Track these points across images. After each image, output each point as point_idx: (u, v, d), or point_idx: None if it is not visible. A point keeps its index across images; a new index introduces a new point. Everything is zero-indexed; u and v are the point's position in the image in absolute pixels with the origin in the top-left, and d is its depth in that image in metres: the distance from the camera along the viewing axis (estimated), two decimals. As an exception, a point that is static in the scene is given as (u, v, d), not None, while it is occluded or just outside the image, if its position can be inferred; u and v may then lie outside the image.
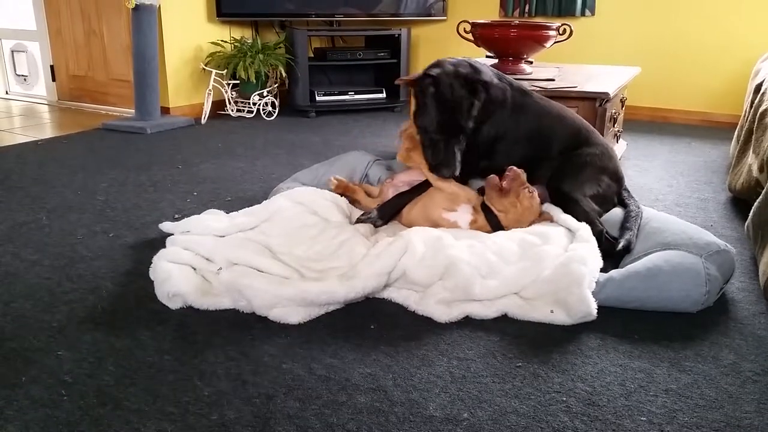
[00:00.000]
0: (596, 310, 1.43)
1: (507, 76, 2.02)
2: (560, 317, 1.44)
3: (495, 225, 1.76)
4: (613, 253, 1.66)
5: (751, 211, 1.82)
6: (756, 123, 2.25)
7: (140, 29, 3.45)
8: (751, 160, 2.19)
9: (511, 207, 1.75)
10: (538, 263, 1.53)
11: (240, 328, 1.41)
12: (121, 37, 4.03)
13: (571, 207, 1.77)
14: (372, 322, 1.45)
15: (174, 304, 1.48)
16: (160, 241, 1.77)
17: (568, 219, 1.71)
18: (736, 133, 2.77)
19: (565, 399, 1.18)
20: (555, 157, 1.94)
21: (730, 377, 1.26)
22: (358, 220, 1.87)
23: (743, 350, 1.36)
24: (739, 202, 2.31)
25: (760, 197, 1.77)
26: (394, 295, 1.54)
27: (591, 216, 1.74)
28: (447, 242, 1.61)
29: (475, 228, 1.78)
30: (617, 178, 1.94)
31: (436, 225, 1.79)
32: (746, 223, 1.85)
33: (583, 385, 1.22)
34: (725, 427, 1.11)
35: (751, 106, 2.53)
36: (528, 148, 1.96)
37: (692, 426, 1.11)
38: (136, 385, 1.20)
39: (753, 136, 2.27)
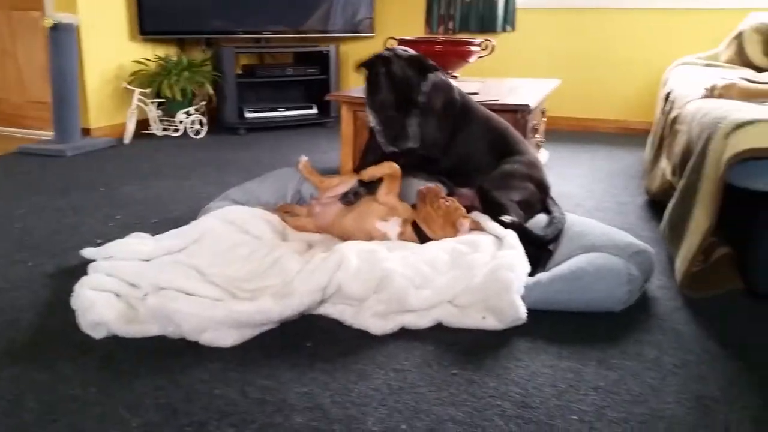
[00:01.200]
0: (526, 314, 1.47)
1: (452, 82, 2.13)
2: (492, 323, 1.47)
3: (422, 236, 1.80)
4: (536, 244, 1.73)
5: (666, 213, 1.92)
6: (667, 129, 2.39)
7: (59, 49, 3.32)
8: (665, 165, 2.32)
9: (429, 218, 1.80)
10: (468, 271, 1.56)
11: (169, 355, 1.36)
12: (37, 58, 3.86)
13: (498, 212, 1.82)
14: (308, 340, 1.43)
15: (98, 334, 1.42)
16: (82, 269, 1.69)
17: (496, 227, 1.75)
18: (649, 139, 2.93)
19: (499, 403, 1.20)
20: (487, 162, 2.02)
21: (653, 371, 1.32)
22: (347, 201, 1.91)
23: (664, 345, 1.43)
24: (655, 204, 2.44)
25: (674, 199, 1.87)
26: (329, 310, 1.54)
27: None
28: (381, 255, 1.61)
29: (403, 239, 1.80)
30: (543, 187, 2.02)
31: (368, 234, 1.81)
32: (662, 224, 1.95)
33: (516, 388, 1.25)
34: (650, 420, 1.16)
35: (662, 114, 2.68)
36: (464, 151, 2.05)
37: (620, 421, 1.15)
38: (59, 421, 1.14)
39: (665, 142, 2.40)
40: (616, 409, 1.19)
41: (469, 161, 2.05)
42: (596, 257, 1.59)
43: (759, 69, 2.90)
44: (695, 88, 2.31)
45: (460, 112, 2.05)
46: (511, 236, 1.68)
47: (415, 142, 1.92)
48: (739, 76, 2.45)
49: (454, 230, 1.78)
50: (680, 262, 1.72)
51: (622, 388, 1.26)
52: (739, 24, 3.15)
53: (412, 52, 1.95)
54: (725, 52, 3.16)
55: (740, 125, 1.58)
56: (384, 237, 1.81)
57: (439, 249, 1.69)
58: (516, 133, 2.14)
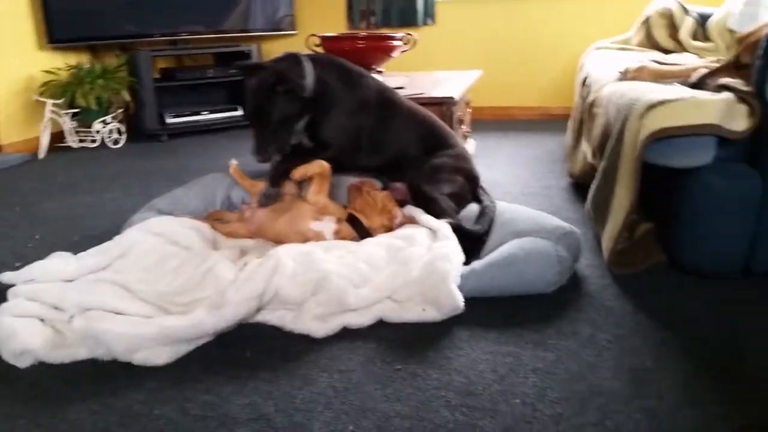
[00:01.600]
0: (463, 303, 1.49)
1: (373, 77, 2.10)
2: (431, 314, 1.48)
3: (361, 230, 1.79)
4: (472, 239, 1.76)
5: (589, 194, 1.99)
6: (586, 113, 2.47)
7: (-45, 62, 3.11)
8: (585, 148, 2.40)
9: (366, 207, 1.83)
10: (405, 265, 1.57)
11: (101, 378, 1.30)
12: (-68, 72, 3.60)
13: (430, 205, 1.85)
14: (247, 349, 1.40)
15: (23, 363, 1.34)
16: (1, 295, 1.59)
17: (430, 219, 1.76)
18: (569, 123, 3.03)
19: (444, 394, 1.21)
20: (418, 157, 2.03)
21: (589, 349, 1.37)
22: (263, 204, 1.91)
23: (597, 322, 1.48)
24: (579, 186, 2.52)
25: (596, 180, 1.94)
26: (268, 317, 1.50)
27: (448, 212, 1.83)
28: (317, 256, 1.60)
29: (340, 237, 1.80)
30: (472, 178, 2.06)
31: (302, 235, 1.79)
32: (586, 205, 2.02)
33: (459, 377, 1.27)
34: (590, 396, 1.20)
35: (580, 98, 2.77)
36: (393, 147, 2.05)
37: (561, 400, 1.19)
38: (-16, 460, 1.07)
39: (584, 126, 2.49)
40: (556, 389, 1.22)
41: (398, 156, 2.05)
42: (526, 242, 1.63)
43: (666, 51, 3.04)
44: (610, 71, 2.40)
45: (379, 108, 2.04)
46: (445, 228, 1.70)
47: (268, 158, 1.90)
48: (649, 58, 2.57)
49: (390, 217, 1.80)
50: (606, 241, 1.79)
51: (561, 368, 1.29)
52: (645, 9, 3.30)
53: (289, 60, 1.92)
54: (636, 36, 3.30)
55: (652, 106, 1.65)
56: (319, 237, 1.80)
57: (375, 245, 1.69)
58: (444, 126, 2.16)
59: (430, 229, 1.74)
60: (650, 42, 3.18)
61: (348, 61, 2.10)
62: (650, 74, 2.16)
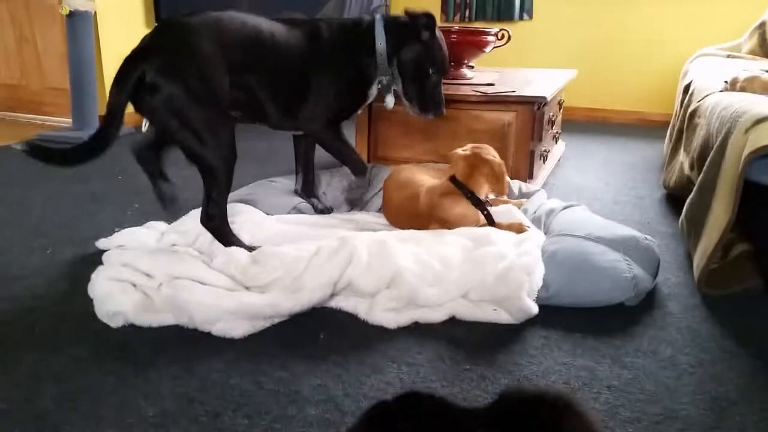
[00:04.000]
0: (537, 310, 1.48)
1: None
2: (504, 316, 1.47)
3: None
4: None
5: (684, 208, 1.89)
6: (686, 123, 2.35)
7: (75, 37, 3.34)
8: (683, 158, 2.28)
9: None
10: (480, 266, 1.55)
11: (184, 344, 1.38)
12: (56, 44, 3.89)
13: None
14: (321, 332, 1.44)
15: (115, 323, 1.44)
16: (99, 257, 1.71)
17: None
18: (668, 131, 2.89)
19: (512, 400, 1.20)
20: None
21: (668, 371, 1.31)
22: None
23: (679, 343, 1.41)
24: (674, 198, 2.40)
25: (692, 194, 1.85)
26: (342, 304, 1.53)
27: None
28: (391, 248, 1.60)
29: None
30: None
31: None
32: (680, 219, 1.93)
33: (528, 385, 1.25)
34: (664, 420, 1.15)
35: (681, 106, 2.64)
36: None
37: (633, 420, 1.15)
38: (77, 409, 1.16)
39: (683, 135, 2.37)
40: (629, 409, 1.18)
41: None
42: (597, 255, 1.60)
43: (782, 61, 2.84)
44: (715, 80, 2.27)
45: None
46: (534, 233, 1.67)
47: None
48: (761, 68, 2.40)
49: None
50: (698, 259, 1.70)
51: (636, 387, 1.25)
52: (762, 14, 3.09)
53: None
54: (747, 42, 3.10)
55: (761, 120, 1.55)
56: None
57: (449, 244, 1.67)
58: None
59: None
60: (764, 49, 2.98)
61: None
62: (762, 86, 2.02)
